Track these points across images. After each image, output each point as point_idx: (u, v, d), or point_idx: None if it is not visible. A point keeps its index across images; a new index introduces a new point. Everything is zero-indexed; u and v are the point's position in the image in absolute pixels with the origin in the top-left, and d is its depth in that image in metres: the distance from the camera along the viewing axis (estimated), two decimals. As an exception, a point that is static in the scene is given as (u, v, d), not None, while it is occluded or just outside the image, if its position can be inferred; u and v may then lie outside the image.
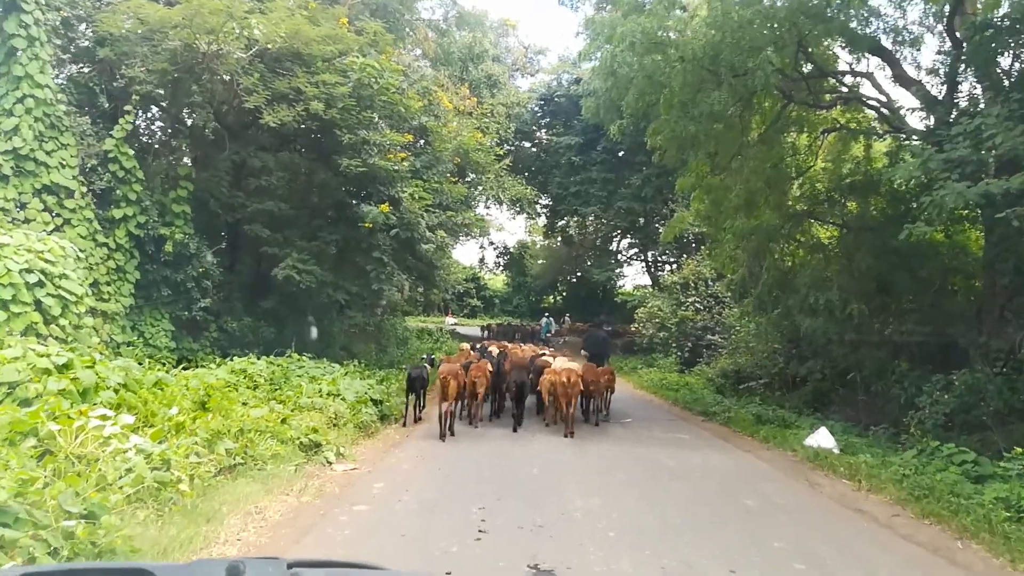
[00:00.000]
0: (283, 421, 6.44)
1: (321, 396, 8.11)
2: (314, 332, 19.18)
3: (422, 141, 16.21)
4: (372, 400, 8.95)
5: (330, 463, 6.35)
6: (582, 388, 9.50)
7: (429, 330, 24.09)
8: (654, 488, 6.59)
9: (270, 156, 14.26)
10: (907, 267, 11.15)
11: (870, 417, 11.51)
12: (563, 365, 10.02)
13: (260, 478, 5.37)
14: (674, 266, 32.77)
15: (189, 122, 13.83)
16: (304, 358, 12.37)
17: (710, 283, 20.75)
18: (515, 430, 9.42)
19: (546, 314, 28.59)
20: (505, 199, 24.67)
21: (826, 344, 12.28)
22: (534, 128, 32.08)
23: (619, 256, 42.74)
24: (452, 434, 8.58)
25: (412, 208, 13.96)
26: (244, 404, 7.81)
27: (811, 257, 11.75)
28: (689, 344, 19.89)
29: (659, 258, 33.36)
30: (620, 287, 49.36)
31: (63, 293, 8.37)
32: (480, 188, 22.35)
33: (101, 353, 11.00)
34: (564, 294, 48.89)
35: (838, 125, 11.52)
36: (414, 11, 19.20)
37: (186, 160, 13.72)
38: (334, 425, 7.39)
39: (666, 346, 20.47)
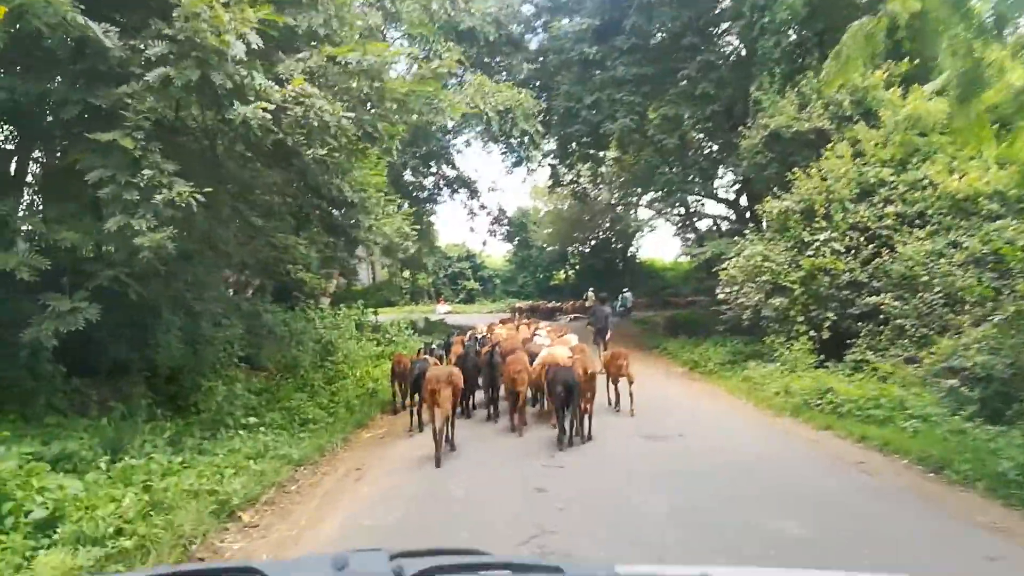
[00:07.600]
0: None
1: None
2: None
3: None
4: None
5: None
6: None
7: (379, 323, 15.06)
8: None
9: None
10: None
11: None
12: (562, 351, 8.55)
13: None
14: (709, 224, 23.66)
15: None
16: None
17: (849, 206, 11.70)
18: (561, 446, 7.01)
19: (624, 289, 26.90)
20: (488, 110, 15.51)
21: None
22: (527, 34, 22.92)
23: (642, 211, 33.76)
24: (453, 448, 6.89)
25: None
26: None
27: None
28: (831, 316, 10.94)
29: (713, 197, 24.09)
30: (653, 258, 40.46)
31: None
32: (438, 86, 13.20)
33: None
34: (577, 267, 39.94)
35: None
36: None
37: None
38: None
39: (785, 322, 11.47)
